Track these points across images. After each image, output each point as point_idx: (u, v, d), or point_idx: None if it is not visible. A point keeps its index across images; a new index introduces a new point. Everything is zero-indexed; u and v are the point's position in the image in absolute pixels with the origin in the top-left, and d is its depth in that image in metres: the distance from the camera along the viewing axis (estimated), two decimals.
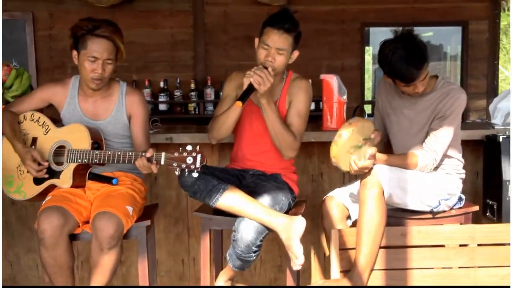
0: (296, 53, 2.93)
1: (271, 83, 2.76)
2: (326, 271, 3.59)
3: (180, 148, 2.57)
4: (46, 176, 2.81)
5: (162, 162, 2.59)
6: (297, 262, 2.64)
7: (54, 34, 6.27)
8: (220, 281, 2.88)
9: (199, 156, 2.55)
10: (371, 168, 2.74)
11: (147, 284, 2.88)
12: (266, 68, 2.79)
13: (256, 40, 2.91)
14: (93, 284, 2.66)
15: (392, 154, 2.96)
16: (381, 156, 2.81)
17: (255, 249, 2.65)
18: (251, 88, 2.76)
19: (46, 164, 2.80)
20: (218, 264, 3.13)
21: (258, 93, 2.76)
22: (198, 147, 2.57)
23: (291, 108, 2.94)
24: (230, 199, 2.70)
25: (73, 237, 2.73)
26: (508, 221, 3.11)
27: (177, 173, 2.58)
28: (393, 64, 2.78)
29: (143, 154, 2.63)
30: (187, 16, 6.44)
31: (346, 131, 2.72)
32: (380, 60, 2.88)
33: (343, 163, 2.77)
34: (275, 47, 2.83)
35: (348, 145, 2.72)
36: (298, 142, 2.89)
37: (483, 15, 6.68)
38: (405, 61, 2.75)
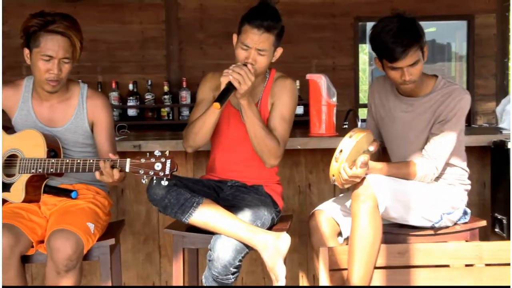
0: (279, 51, 2.94)
1: (252, 81, 2.75)
2: None
3: (148, 154, 2.56)
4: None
5: (127, 169, 2.58)
6: (278, 284, 2.65)
7: (6, 30, 6.14)
8: None
9: (168, 162, 2.54)
10: (364, 178, 2.74)
11: None
12: (245, 65, 2.79)
13: (235, 37, 2.91)
14: None
15: (388, 163, 2.96)
16: (375, 165, 2.80)
17: (233, 270, 2.64)
18: (229, 88, 2.75)
19: None
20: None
21: (238, 93, 2.75)
22: (167, 152, 2.56)
23: (274, 110, 2.94)
24: (205, 214, 2.69)
25: (25, 259, 2.71)
26: None
27: (143, 181, 2.57)
28: (381, 38, 2.81)
29: (106, 159, 2.61)
30: (158, 10, 6.42)
31: (347, 145, 2.70)
32: (370, 36, 2.89)
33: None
34: (256, 48, 2.83)
35: (350, 160, 2.71)
36: (281, 148, 2.88)
37: (490, 7, 6.72)
38: (393, 35, 2.78)
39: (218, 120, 2.91)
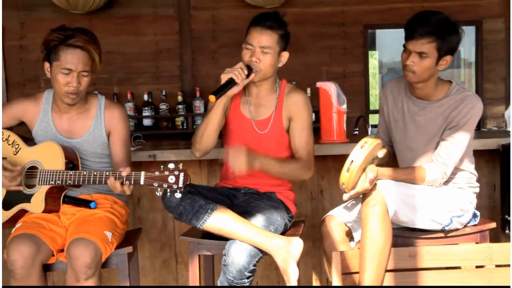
0: (285, 55, 2.99)
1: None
2: None
3: (162, 167, 2.59)
4: (21, 188, 2.81)
5: (142, 182, 2.61)
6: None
7: (25, 44, 6.28)
8: None
9: (182, 175, 2.57)
10: (375, 184, 2.75)
11: None
12: (248, 66, 2.86)
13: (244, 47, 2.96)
14: None
15: (397, 168, 2.97)
16: (384, 171, 2.82)
17: (248, 274, 2.66)
18: (228, 83, 2.81)
19: (18, 169, 2.79)
20: None
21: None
22: (181, 165, 2.59)
23: (294, 124, 3.00)
24: (219, 220, 2.72)
25: (47, 268, 2.74)
26: None
27: (158, 194, 2.60)
28: (417, 15, 2.87)
29: (119, 176, 2.65)
30: (172, 22, 6.46)
31: (358, 156, 2.69)
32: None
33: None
34: (259, 46, 2.89)
35: (360, 169, 2.72)
36: (309, 163, 2.98)
37: (498, 12, 6.68)
38: (424, 19, 2.83)
39: (231, 129, 2.95)
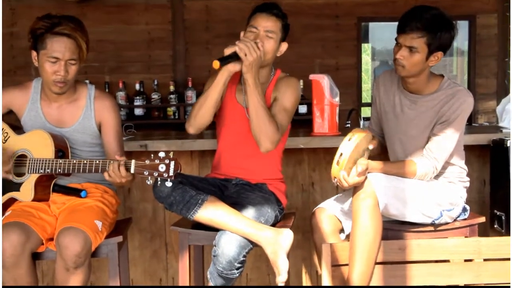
0: (284, 45, 3.00)
1: (258, 55, 2.78)
2: None
3: (152, 155, 2.59)
4: (10, 176, 2.80)
5: (132, 171, 2.61)
6: (279, 278, 2.67)
7: (16, 31, 6.25)
8: None
9: (172, 163, 2.57)
10: (366, 177, 2.76)
11: None
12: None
13: (242, 34, 2.95)
14: None
15: (388, 162, 2.98)
16: (375, 164, 2.83)
17: (237, 265, 2.67)
18: (233, 55, 2.78)
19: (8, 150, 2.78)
20: (199, 283, 3.15)
21: (244, 66, 2.77)
22: (171, 154, 2.58)
23: (276, 101, 2.97)
24: (210, 211, 2.72)
25: (36, 256, 2.73)
26: None
27: (148, 182, 2.60)
28: (411, 9, 2.88)
29: (111, 161, 2.64)
30: (164, 11, 6.45)
31: (347, 148, 2.71)
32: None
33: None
34: (264, 30, 2.90)
35: (350, 161, 2.73)
36: (278, 135, 2.87)
37: (491, 8, 6.72)
38: (417, 14, 2.84)
39: (223, 117, 2.96)
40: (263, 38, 2.89)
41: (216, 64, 2.73)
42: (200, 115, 2.90)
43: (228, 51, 2.78)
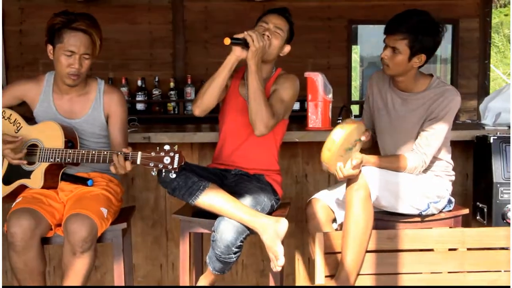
0: (287, 47, 3.05)
1: (263, 44, 2.80)
2: (311, 276, 3.61)
3: (158, 148, 2.58)
4: (24, 162, 2.79)
5: (138, 162, 2.60)
6: (277, 262, 2.67)
7: (24, 29, 6.21)
8: (200, 286, 2.88)
9: (177, 156, 2.56)
10: (359, 170, 2.76)
11: None
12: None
13: None
14: None
15: (381, 156, 2.99)
16: (369, 158, 2.83)
17: (235, 250, 2.66)
18: (242, 41, 2.79)
19: (19, 138, 2.77)
20: (198, 269, 3.14)
21: (248, 54, 2.79)
22: (176, 147, 2.58)
23: (274, 93, 2.99)
24: (211, 197, 2.71)
25: (45, 241, 2.73)
26: (498, 225, 3.16)
27: (153, 173, 2.59)
28: (400, 13, 2.88)
29: (119, 152, 2.63)
30: (166, 12, 6.43)
31: (338, 135, 2.71)
32: None
33: (334, 168, 2.79)
34: (274, 25, 2.96)
35: (341, 149, 2.72)
36: (273, 121, 2.86)
37: (474, 12, 6.76)
38: (404, 17, 2.85)
39: (226, 110, 3.02)
40: (272, 33, 2.95)
41: (227, 40, 2.76)
42: (206, 97, 2.91)
43: (238, 36, 2.79)
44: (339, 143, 2.69)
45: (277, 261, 2.67)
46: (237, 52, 2.83)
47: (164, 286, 3.79)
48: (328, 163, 2.75)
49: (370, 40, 8.59)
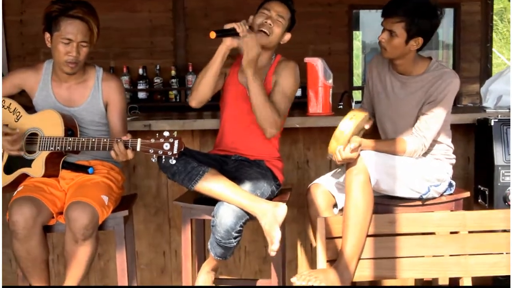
0: (288, 35, 3.05)
1: (257, 51, 2.81)
2: (312, 262, 3.62)
3: (157, 134, 2.58)
4: (22, 153, 2.80)
5: (138, 149, 2.60)
6: (272, 247, 2.68)
7: (25, 19, 6.21)
8: (203, 273, 2.89)
9: (176, 142, 2.56)
10: (359, 154, 2.76)
11: (126, 278, 2.88)
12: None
13: (251, 18, 2.97)
14: (68, 277, 2.67)
15: (379, 140, 2.99)
16: (368, 142, 2.83)
17: (235, 234, 2.67)
18: (231, 30, 2.80)
19: (17, 131, 2.77)
20: (200, 256, 3.15)
21: (243, 61, 2.81)
22: (175, 133, 2.58)
23: (276, 86, 2.98)
24: (210, 182, 2.72)
25: (47, 229, 2.74)
26: (500, 208, 3.15)
27: (153, 160, 2.60)
28: None
29: (119, 139, 2.63)
30: (166, 0, 6.40)
31: (348, 127, 2.73)
32: None
33: None
34: (276, 13, 2.95)
35: (348, 140, 2.74)
36: (281, 119, 2.91)
37: None
38: (401, 1, 2.85)
39: (227, 98, 3.02)
40: (274, 20, 2.94)
41: (212, 34, 2.77)
42: (201, 88, 2.93)
43: (227, 26, 2.81)
44: (348, 134, 2.72)
45: (272, 246, 2.68)
46: (228, 42, 2.84)
47: (164, 286, 3.80)
48: (334, 153, 2.75)
49: (372, 26, 8.54)
